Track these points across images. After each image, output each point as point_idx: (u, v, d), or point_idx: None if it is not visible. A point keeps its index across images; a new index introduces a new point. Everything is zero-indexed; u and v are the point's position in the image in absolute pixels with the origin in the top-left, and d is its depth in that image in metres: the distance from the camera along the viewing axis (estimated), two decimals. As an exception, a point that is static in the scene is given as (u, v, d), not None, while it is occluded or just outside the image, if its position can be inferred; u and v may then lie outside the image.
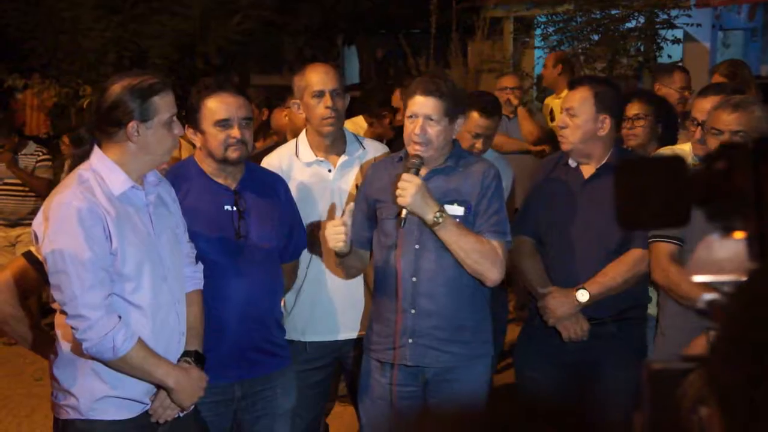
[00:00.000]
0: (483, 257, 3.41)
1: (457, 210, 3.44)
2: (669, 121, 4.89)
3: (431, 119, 3.39)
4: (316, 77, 3.85)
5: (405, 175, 3.34)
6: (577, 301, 3.70)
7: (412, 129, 3.41)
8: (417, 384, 3.54)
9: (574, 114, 3.74)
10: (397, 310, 3.47)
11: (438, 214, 3.33)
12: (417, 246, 3.45)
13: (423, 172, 3.42)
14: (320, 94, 3.81)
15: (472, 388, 3.54)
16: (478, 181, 3.48)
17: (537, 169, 4.25)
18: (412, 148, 3.42)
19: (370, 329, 3.64)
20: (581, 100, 3.75)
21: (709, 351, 0.99)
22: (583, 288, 3.70)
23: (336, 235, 3.38)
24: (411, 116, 3.42)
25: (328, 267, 3.83)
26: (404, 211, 3.33)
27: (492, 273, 3.44)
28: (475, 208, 3.46)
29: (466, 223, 3.44)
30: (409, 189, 3.30)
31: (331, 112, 3.81)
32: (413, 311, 3.46)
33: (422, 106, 3.40)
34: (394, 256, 3.47)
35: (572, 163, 3.86)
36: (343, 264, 3.62)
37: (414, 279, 3.45)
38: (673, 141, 4.73)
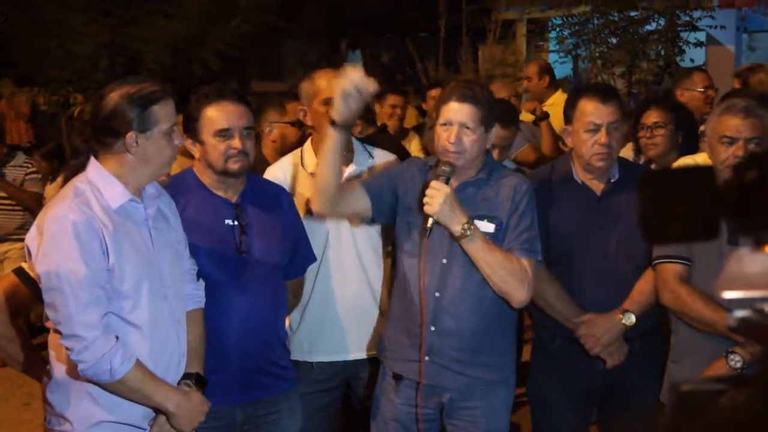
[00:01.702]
0: (510, 275, 3.39)
1: (487, 227, 3.42)
2: (689, 129, 4.87)
3: (467, 127, 3.39)
4: (326, 84, 3.84)
5: (434, 183, 3.33)
6: (623, 325, 3.69)
7: (446, 137, 3.39)
8: (433, 407, 3.55)
9: (618, 128, 3.70)
10: (418, 324, 3.46)
11: (466, 226, 3.32)
12: (444, 261, 3.45)
13: (454, 183, 3.41)
14: (330, 102, 3.80)
15: (491, 414, 3.55)
16: (510, 196, 3.47)
17: None
18: (445, 157, 3.41)
19: (384, 336, 3.65)
20: (619, 112, 3.71)
21: (763, 369, 1.01)
22: (628, 311, 3.69)
23: (358, 78, 3.27)
24: (445, 124, 3.41)
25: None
26: (430, 221, 3.33)
27: (519, 293, 3.42)
28: (505, 224, 3.45)
29: (496, 240, 3.42)
30: (437, 197, 3.29)
31: None
32: (433, 328, 3.46)
33: (458, 113, 3.39)
34: (418, 268, 3.46)
35: (577, 178, 3.83)
36: (329, 157, 3.41)
37: (437, 294, 3.45)
38: (694, 150, 4.71)
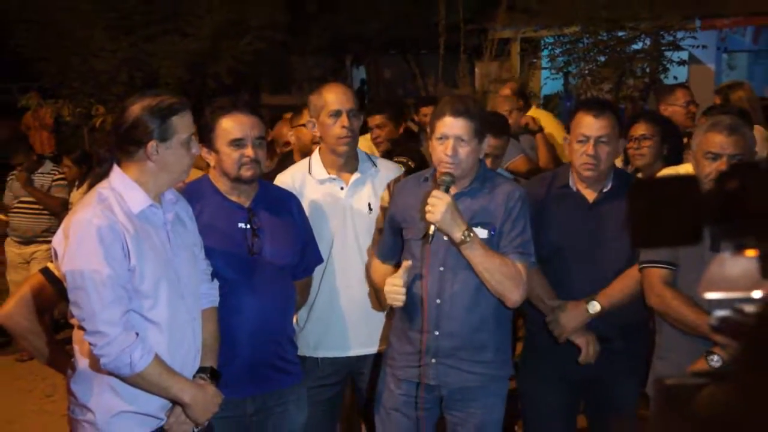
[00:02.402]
0: (506, 278, 3.40)
1: (481, 233, 3.42)
2: (674, 142, 4.92)
3: (462, 140, 3.38)
4: (333, 97, 3.87)
5: (435, 192, 3.33)
6: (588, 312, 3.71)
7: (442, 150, 3.38)
8: (433, 397, 3.56)
9: (608, 142, 3.70)
10: (421, 330, 3.47)
11: (466, 233, 3.33)
12: (441, 268, 3.45)
13: (452, 191, 3.42)
14: (337, 114, 3.83)
15: (487, 406, 3.56)
16: (503, 202, 3.47)
17: (527, 190, 4.19)
18: (443, 169, 3.41)
19: (390, 345, 3.65)
20: (611, 127, 3.70)
21: (743, 363, 1.02)
22: (594, 300, 3.71)
23: (396, 295, 3.39)
24: (441, 138, 3.39)
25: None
26: (432, 228, 3.32)
27: (514, 294, 3.43)
28: (499, 230, 3.46)
29: (490, 245, 3.42)
30: (439, 206, 3.29)
31: (348, 132, 3.83)
32: (437, 333, 3.46)
33: (452, 127, 3.38)
34: (419, 278, 3.47)
35: (573, 186, 3.84)
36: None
37: (438, 301, 3.45)
38: (678, 161, 4.75)
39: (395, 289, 3.39)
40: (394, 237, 3.64)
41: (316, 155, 3.99)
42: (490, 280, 3.40)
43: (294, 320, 3.82)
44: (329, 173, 3.93)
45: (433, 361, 3.48)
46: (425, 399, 3.55)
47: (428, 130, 3.53)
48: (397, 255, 3.65)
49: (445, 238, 3.40)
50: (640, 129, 4.84)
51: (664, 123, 5.03)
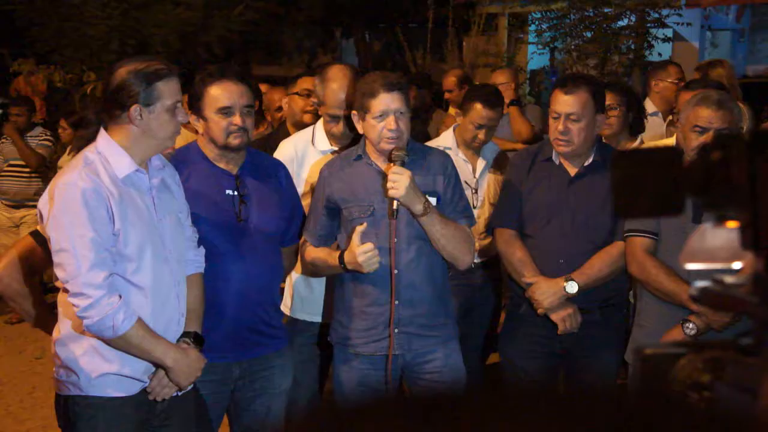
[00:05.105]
0: (461, 243, 3.45)
1: (431, 202, 3.42)
2: (637, 111, 4.97)
3: (401, 113, 3.38)
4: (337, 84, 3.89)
5: (395, 168, 3.31)
6: (566, 291, 3.70)
7: (383, 126, 3.36)
8: (396, 367, 3.54)
9: (578, 119, 3.68)
10: (383, 302, 3.45)
11: (426, 204, 3.34)
12: (396, 239, 3.42)
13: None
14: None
15: (451, 363, 3.57)
16: (441, 170, 3.51)
17: (512, 163, 4.15)
18: (387, 144, 3.38)
19: (341, 325, 3.58)
20: (583, 104, 3.69)
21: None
22: (572, 279, 3.70)
23: (374, 258, 3.32)
24: (381, 115, 3.36)
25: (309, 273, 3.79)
26: (395, 203, 3.31)
27: (468, 257, 3.52)
28: (443, 198, 3.48)
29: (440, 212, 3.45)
30: (402, 181, 3.27)
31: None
32: (397, 302, 3.45)
33: (392, 102, 3.36)
34: (388, 249, 3.42)
35: (556, 159, 3.83)
36: (327, 273, 3.64)
37: (396, 272, 3.43)
38: (641, 130, 4.88)
39: (372, 254, 3.32)
40: (331, 220, 3.56)
41: (320, 126, 3.98)
42: (447, 246, 3.43)
43: (281, 286, 3.80)
44: (332, 145, 3.91)
45: (396, 331, 3.47)
46: (389, 369, 3.52)
47: (358, 110, 3.45)
48: (333, 238, 3.59)
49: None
50: (606, 99, 4.84)
51: (628, 92, 5.08)
